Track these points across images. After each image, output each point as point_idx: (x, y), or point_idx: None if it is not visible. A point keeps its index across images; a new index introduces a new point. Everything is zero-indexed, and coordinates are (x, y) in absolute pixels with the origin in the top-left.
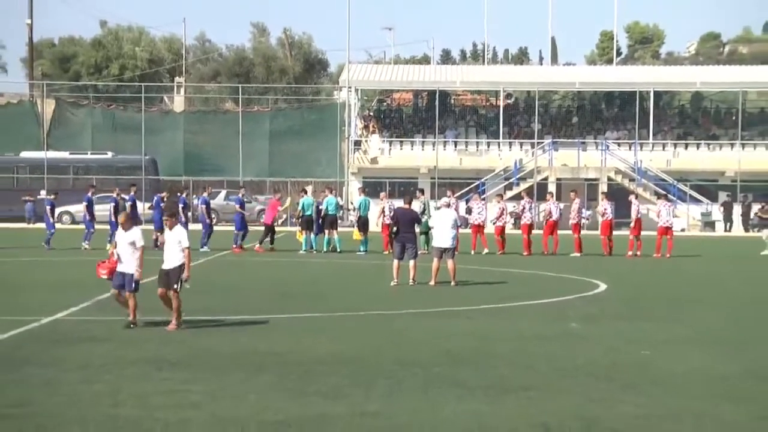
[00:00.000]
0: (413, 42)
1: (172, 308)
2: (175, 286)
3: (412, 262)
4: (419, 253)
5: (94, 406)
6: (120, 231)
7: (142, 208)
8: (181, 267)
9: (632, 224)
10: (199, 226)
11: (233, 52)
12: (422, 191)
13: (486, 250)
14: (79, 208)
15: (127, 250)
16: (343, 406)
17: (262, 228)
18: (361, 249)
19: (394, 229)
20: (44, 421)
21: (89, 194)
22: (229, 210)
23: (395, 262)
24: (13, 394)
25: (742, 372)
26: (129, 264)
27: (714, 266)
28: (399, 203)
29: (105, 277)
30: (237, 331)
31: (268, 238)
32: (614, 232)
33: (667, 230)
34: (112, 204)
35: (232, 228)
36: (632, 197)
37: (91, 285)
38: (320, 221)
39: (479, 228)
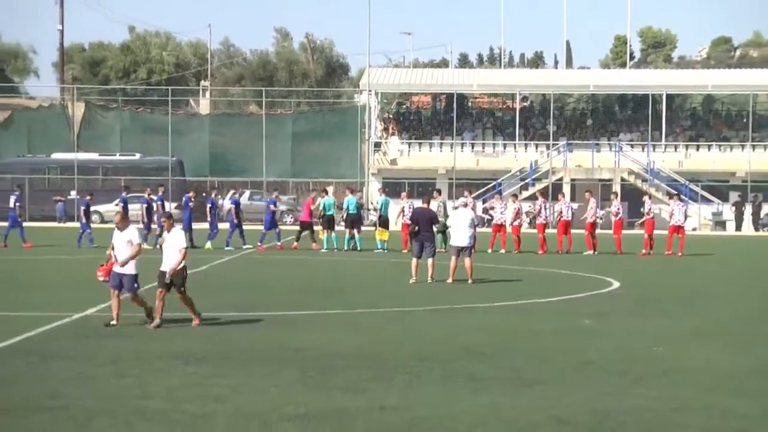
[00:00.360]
0: (432, 46)
1: (159, 309)
2: (182, 288)
3: (430, 261)
4: (437, 251)
5: (124, 399)
6: (116, 231)
7: (170, 207)
8: (181, 269)
9: (641, 222)
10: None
11: (257, 56)
12: (439, 192)
13: (503, 250)
14: (108, 208)
15: (124, 250)
16: (363, 400)
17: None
18: (379, 247)
19: (415, 228)
20: (76, 413)
21: (124, 194)
22: (252, 210)
23: (414, 260)
24: (46, 387)
25: (750, 367)
26: (127, 264)
27: (724, 264)
28: (419, 203)
29: (102, 279)
30: (260, 327)
31: (306, 233)
32: (624, 231)
33: (679, 229)
34: (144, 205)
35: (257, 227)
36: (646, 197)
37: None
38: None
39: (501, 227)
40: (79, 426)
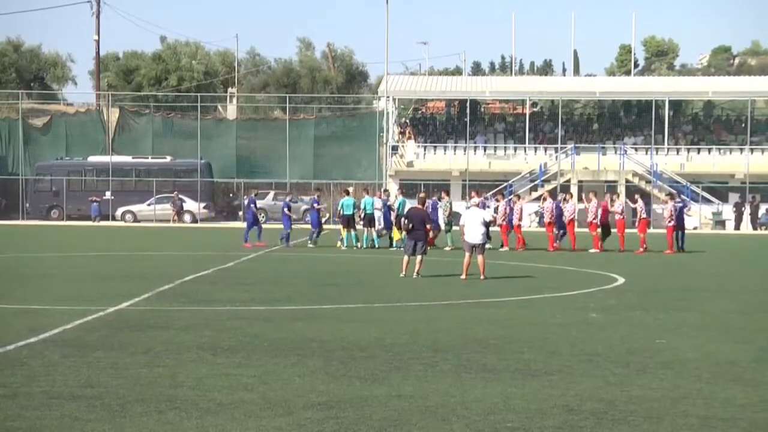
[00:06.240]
0: (446, 55)
1: None
2: None
3: (419, 258)
4: (447, 248)
5: (155, 388)
6: None
7: (198, 207)
8: None
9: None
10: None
11: (281, 64)
12: (447, 192)
13: (506, 248)
14: (140, 208)
15: None
16: (381, 389)
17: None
18: (395, 246)
19: (410, 226)
20: (110, 401)
21: (253, 196)
22: (276, 209)
23: (405, 257)
24: (83, 376)
25: (750, 358)
26: None
27: (724, 261)
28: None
29: None
30: (285, 320)
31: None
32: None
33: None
34: (251, 205)
35: (279, 226)
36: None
37: (152, 277)
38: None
39: (500, 226)
40: (113, 413)
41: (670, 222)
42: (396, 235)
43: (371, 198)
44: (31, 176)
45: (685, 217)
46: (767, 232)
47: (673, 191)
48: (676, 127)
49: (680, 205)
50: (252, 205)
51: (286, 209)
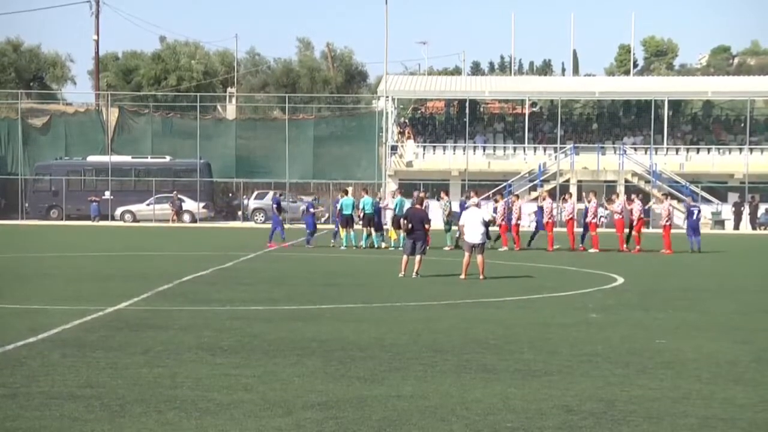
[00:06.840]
0: (446, 55)
1: None
2: None
3: (418, 257)
4: (446, 248)
5: (155, 388)
6: None
7: (197, 207)
8: None
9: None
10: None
11: (281, 64)
12: (446, 193)
13: (505, 248)
14: (139, 207)
15: None
16: (380, 389)
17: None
18: (392, 245)
19: (409, 226)
20: (110, 402)
21: (278, 196)
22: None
23: (404, 257)
24: (82, 376)
25: (750, 358)
26: None
27: (724, 261)
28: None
29: None
30: (285, 320)
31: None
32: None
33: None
34: (274, 205)
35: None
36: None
37: (151, 277)
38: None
39: (500, 227)
40: (113, 413)
41: (666, 222)
42: (393, 234)
43: (370, 198)
44: (31, 176)
45: (698, 220)
46: (766, 232)
47: (684, 197)
48: (675, 127)
49: (695, 208)
50: (275, 206)
51: (309, 209)
